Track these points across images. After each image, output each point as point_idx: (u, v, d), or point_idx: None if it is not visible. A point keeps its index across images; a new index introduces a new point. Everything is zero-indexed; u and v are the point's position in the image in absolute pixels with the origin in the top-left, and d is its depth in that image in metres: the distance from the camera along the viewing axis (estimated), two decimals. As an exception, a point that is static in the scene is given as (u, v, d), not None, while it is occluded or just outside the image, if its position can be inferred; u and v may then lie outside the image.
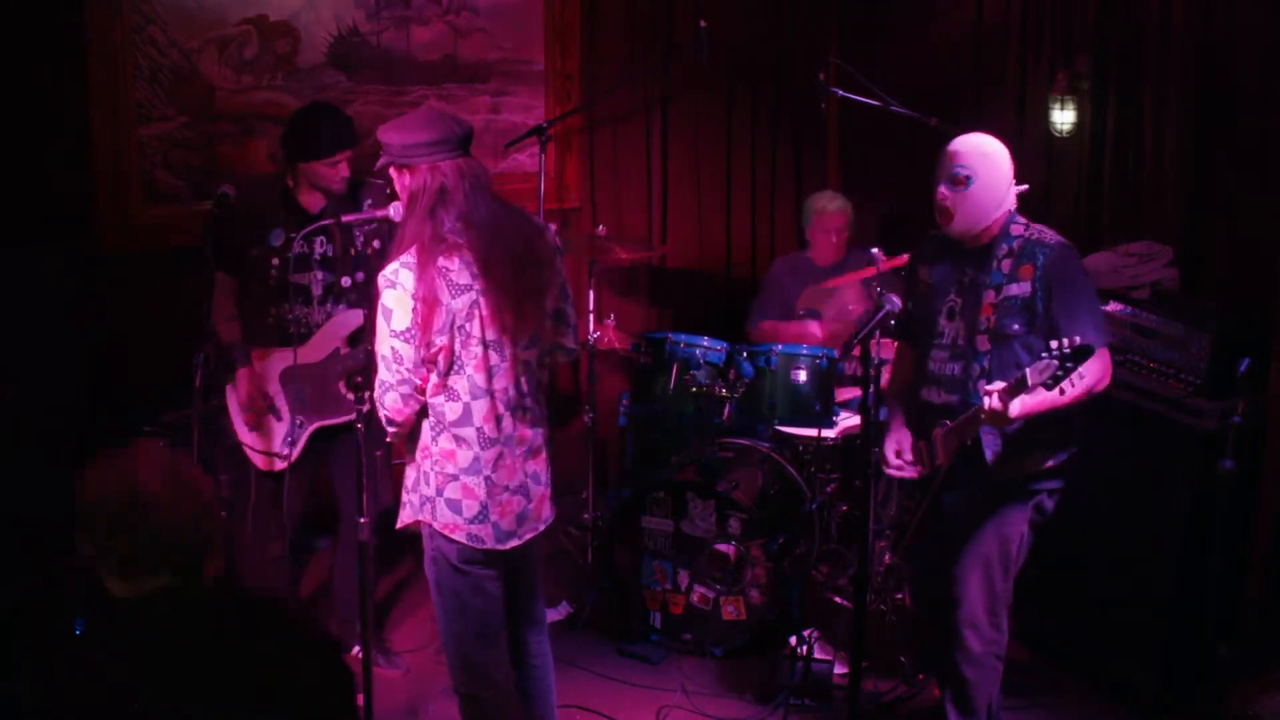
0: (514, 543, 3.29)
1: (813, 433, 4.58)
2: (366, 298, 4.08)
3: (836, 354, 4.68)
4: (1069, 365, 3.02)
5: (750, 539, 4.36)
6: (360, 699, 3.93)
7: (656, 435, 5.04)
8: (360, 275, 4.05)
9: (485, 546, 3.24)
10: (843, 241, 5.18)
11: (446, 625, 3.35)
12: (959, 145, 3.43)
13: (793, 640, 4.31)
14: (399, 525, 3.34)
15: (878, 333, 3.35)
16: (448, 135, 3.12)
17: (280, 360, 4.02)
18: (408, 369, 3.10)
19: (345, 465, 4.13)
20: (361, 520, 3.31)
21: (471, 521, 3.22)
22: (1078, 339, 3.03)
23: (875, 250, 4.51)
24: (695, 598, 4.46)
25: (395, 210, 3.31)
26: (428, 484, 3.23)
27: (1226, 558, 3.66)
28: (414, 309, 3.06)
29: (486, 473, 3.21)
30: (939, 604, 3.59)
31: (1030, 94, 4.93)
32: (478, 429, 3.18)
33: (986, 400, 3.20)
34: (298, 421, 4.03)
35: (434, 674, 4.31)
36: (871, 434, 3.40)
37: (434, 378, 3.15)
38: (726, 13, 5.58)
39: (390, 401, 3.14)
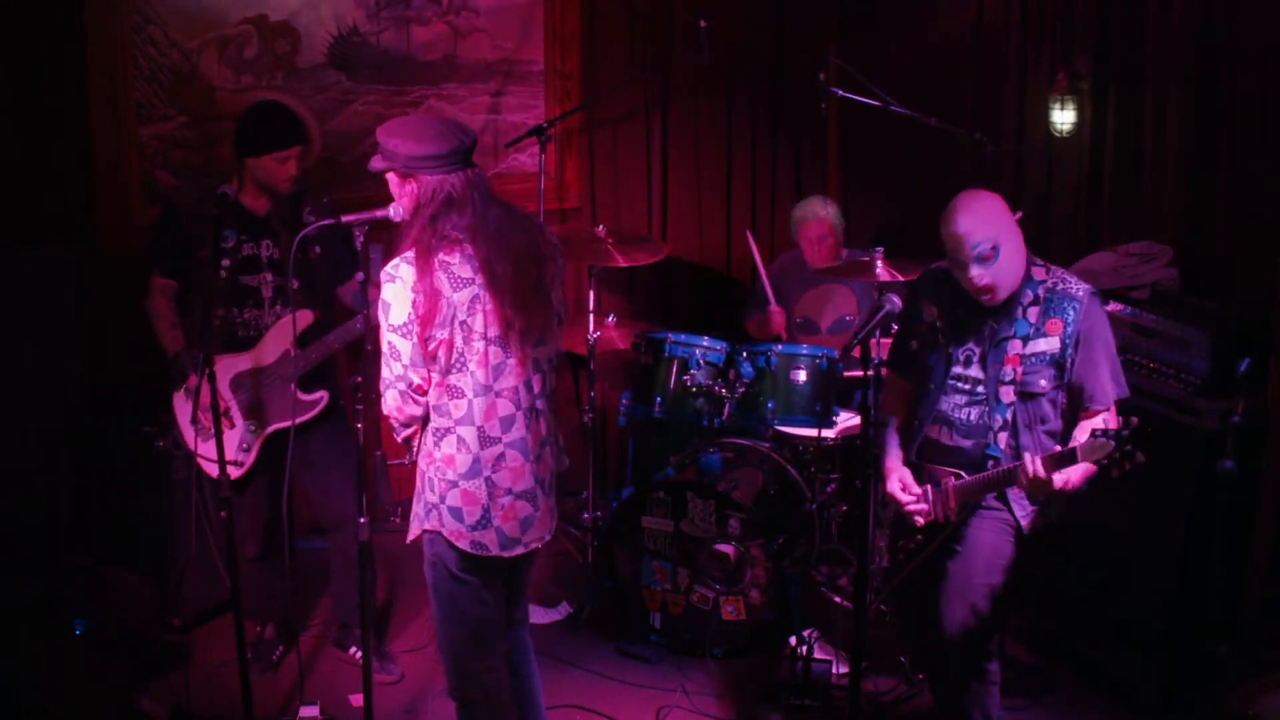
0: (519, 550, 3.23)
1: (813, 433, 4.58)
2: (313, 300, 4.06)
3: (836, 355, 4.68)
4: (1127, 449, 2.97)
5: (750, 539, 4.35)
6: (360, 699, 3.95)
7: (656, 435, 5.04)
8: (302, 279, 4.01)
9: (490, 554, 3.19)
10: (829, 247, 5.14)
11: (443, 630, 3.33)
12: (963, 224, 3.23)
13: (793, 640, 4.31)
14: (408, 539, 3.30)
15: (878, 333, 3.33)
16: (456, 148, 3.08)
17: (230, 366, 3.97)
18: (405, 365, 3.07)
19: (328, 466, 4.11)
20: (361, 520, 3.30)
21: (474, 528, 3.17)
22: (1134, 420, 2.98)
23: (877, 251, 4.51)
24: (695, 598, 4.46)
25: (395, 210, 3.30)
26: (432, 490, 3.19)
27: (1226, 557, 3.66)
28: (414, 302, 3.03)
29: (486, 474, 3.16)
30: (928, 631, 3.57)
31: (1030, 94, 4.93)
32: (479, 428, 3.14)
33: (1030, 467, 3.14)
34: (250, 427, 4.00)
35: (433, 674, 4.31)
36: (872, 434, 3.38)
37: (435, 376, 3.11)
38: (726, 13, 5.58)
39: (390, 400, 3.11)
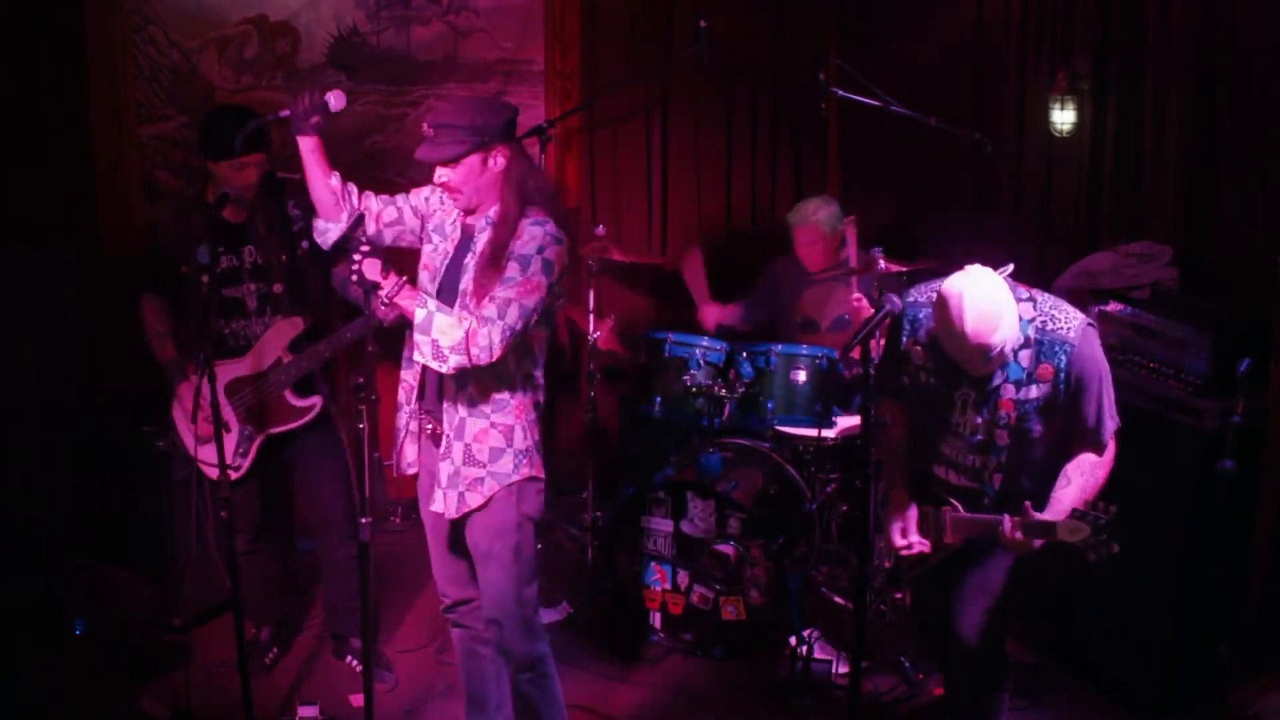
0: None
1: (813, 433, 4.58)
2: (301, 301, 4.03)
3: (836, 355, 4.68)
4: (1102, 538, 3.02)
5: (750, 539, 4.35)
6: (359, 699, 3.95)
7: (656, 435, 5.04)
8: (290, 279, 4.00)
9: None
10: (819, 251, 5.11)
11: (518, 590, 3.38)
12: (971, 331, 3.10)
13: (793, 640, 4.31)
14: (464, 509, 3.34)
15: (877, 333, 3.33)
16: (514, 116, 3.27)
17: (225, 372, 3.97)
18: (535, 317, 3.19)
19: (314, 474, 4.12)
20: (363, 520, 3.29)
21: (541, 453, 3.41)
22: (1113, 509, 3.03)
23: (876, 250, 4.51)
24: (695, 598, 4.46)
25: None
26: (525, 436, 3.33)
27: (1226, 558, 3.66)
28: (565, 264, 3.22)
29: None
30: (942, 633, 3.58)
31: (1030, 94, 4.93)
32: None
33: (1009, 533, 3.18)
34: (246, 432, 4.00)
35: (432, 674, 4.32)
36: (871, 433, 3.37)
37: (544, 330, 3.29)
38: (726, 12, 5.58)
39: (497, 338, 3.13)
